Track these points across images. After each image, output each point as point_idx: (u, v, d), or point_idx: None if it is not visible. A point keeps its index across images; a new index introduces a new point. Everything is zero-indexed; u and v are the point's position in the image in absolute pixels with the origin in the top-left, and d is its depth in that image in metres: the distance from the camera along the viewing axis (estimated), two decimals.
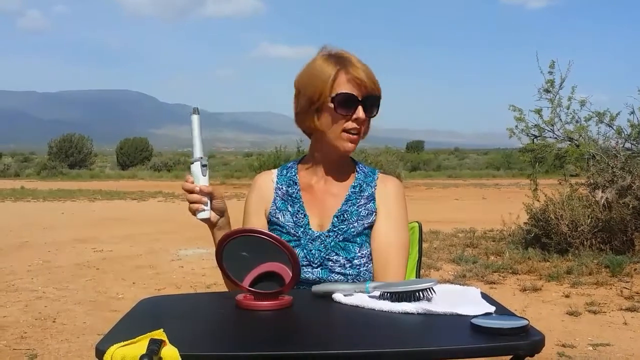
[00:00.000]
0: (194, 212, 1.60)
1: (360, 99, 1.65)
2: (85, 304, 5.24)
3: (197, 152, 1.58)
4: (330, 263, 1.67)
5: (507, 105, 8.32)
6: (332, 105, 1.66)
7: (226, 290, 1.66)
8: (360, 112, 1.65)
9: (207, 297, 1.72)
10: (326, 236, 1.69)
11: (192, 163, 1.59)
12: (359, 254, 1.68)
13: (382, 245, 1.70)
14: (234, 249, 1.40)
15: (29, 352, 3.91)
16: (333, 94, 1.65)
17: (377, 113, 1.72)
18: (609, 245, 6.71)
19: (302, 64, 1.75)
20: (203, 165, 1.58)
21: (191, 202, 1.59)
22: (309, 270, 1.66)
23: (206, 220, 1.62)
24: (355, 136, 1.69)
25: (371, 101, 1.67)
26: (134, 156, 40.40)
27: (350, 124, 1.67)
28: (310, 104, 1.69)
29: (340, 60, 1.68)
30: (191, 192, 1.58)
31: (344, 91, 1.64)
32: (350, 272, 1.66)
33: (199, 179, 1.58)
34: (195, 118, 1.57)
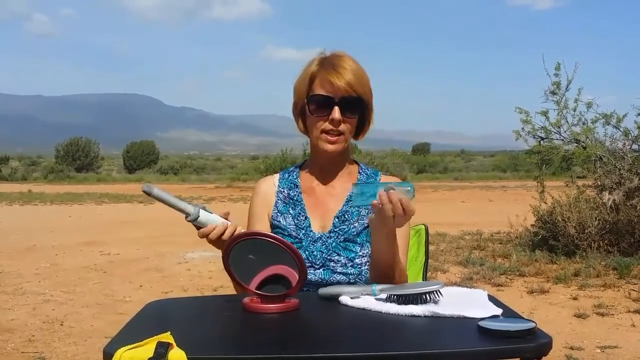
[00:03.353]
0: None
1: (336, 100, 1.64)
2: (93, 307, 5.26)
3: (188, 207, 1.54)
4: (332, 264, 1.67)
5: (513, 107, 8.30)
6: (308, 107, 1.68)
7: (233, 293, 1.66)
8: (336, 114, 1.64)
9: (214, 300, 1.73)
10: (327, 237, 1.70)
11: (198, 217, 1.53)
12: (360, 253, 1.68)
13: None
14: (241, 252, 1.41)
15: (36, 355, 3.93)
16: (309, 96, 1.67)
17: (359, 115, 1.70)
18: (617, 247, 6.68)
19: None
20: (206, 210, 1.55)
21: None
22: (311, 271, 1.66)
23: None
24: (334, 137, 1.68)
25: (350, 102, 1.65)
26: (140, 159, 40.46)
27: (327, 125, 1.67)
28: (295, 106, 1.74)
29: (324, 62, 1.68)
30: (222, 233, 1.54)
31: (317, 92, 1.66)
32: (352, 271, 1.66)
33: (214, 220, 1.55)
34: (157, 190, 1.52)
